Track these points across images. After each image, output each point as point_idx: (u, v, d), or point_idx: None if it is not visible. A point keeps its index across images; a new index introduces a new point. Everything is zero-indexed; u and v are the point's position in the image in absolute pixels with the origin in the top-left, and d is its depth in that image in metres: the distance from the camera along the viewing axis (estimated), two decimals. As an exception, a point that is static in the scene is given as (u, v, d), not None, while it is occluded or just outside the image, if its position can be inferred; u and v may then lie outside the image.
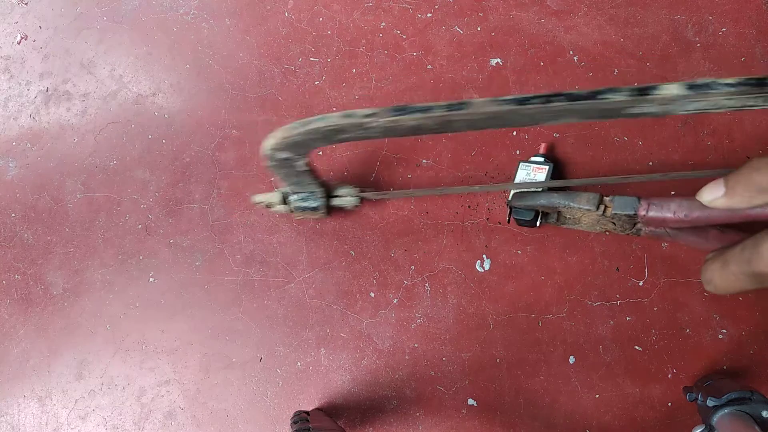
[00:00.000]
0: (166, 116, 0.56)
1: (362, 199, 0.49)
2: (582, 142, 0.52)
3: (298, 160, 0.41)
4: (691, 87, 0.31)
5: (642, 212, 0.41)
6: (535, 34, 0.55)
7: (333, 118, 0.34)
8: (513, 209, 0.47)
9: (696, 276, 0.48)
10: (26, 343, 0.52)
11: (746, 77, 0.31)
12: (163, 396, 0.50)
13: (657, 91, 0.31)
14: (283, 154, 0.39)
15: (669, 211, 0.39)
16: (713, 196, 0.37)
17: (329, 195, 0.48)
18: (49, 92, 0.58)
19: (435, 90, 0.54)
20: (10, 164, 0.56)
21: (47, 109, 0.57)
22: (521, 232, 0.50)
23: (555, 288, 0.49)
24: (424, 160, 0.52)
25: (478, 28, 0.55)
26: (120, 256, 0.53)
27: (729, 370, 0.47)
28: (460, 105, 0.33)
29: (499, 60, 0.55)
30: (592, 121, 0.51)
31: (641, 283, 0.48)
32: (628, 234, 0.46)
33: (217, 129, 0.55)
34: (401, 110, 0.33)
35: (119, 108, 0.57)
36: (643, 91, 0.32)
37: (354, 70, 0.56)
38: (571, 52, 0.54)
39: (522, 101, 0.32)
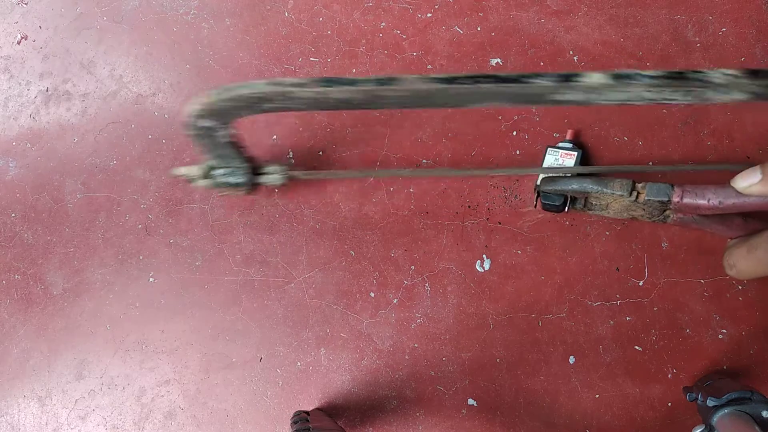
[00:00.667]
0: (166, 116, 0.56)
1: (290, 178, 0.48)
2: (582, 142, 0.52)
3: (220, 131, 0.40)
4: (614, 77, 0.32)
5: (676, 199, 0.41)
6: (535, 34, 0.55)
7: (259, 86, 0.34)
8: (542, 194, 0.47)
9: (696, 276, 0.48)
10: (26, 343, 0.52)
11: (667, 70, 0.32)
12: (163, 396, 0.50)
13: (581, 78, 0.32)
14: (206, 122, 0.38)
15: (704, 198, 0.40)
16: (749, 182, 0.38)
17: (255, 172, 0.47)
18: (49, 92, 0.58)
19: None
20: (10, 164, 0.56)
21: (47, 109, 0.57)
22: (521, 232, 0.50)
23: (555, 288, 0.49)
24: (424, 160, 0.52)
25: (478, 28, 0.55)
26: (120, 256, 0.53)
27: (729, 370, 0.47)
28: (390, 80, 0.33)
29: (499, 60, 0.55)
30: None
31: (641, 283, 0.48)
32: (654, 221, 0.46)
33: (217, 129, 0.55)
34: (329, 82, 0.33)
35: (119, 108, 0.57)
36: (567, 78, 0.32)
37: (354, 70, 0.56)
38: (571, 52, 0.54)
39: (450, 80, 0.33)
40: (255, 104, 0.36)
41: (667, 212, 0.43)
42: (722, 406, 0.39)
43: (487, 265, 0.50)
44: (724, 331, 0.47)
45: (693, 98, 0.34)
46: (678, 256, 0.48)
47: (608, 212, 0.47)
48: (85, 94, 0.57)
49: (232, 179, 0.46)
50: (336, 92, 0.33)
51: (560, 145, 0.50)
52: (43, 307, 0.53)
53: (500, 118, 0.53)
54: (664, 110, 0.52)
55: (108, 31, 0.59)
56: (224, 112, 0.37)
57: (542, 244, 0.50)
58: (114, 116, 0.57)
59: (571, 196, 0.47)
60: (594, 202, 0.46)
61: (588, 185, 0.44)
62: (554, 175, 0.47)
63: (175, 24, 0.58)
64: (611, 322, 0.48)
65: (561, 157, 0.49)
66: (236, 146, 0.43)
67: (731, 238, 0.44)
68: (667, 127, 0.51)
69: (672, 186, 0.41)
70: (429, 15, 0.56)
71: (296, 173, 0.49)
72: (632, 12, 0.54)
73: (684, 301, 0.48)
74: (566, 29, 0.54)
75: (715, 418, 0.39)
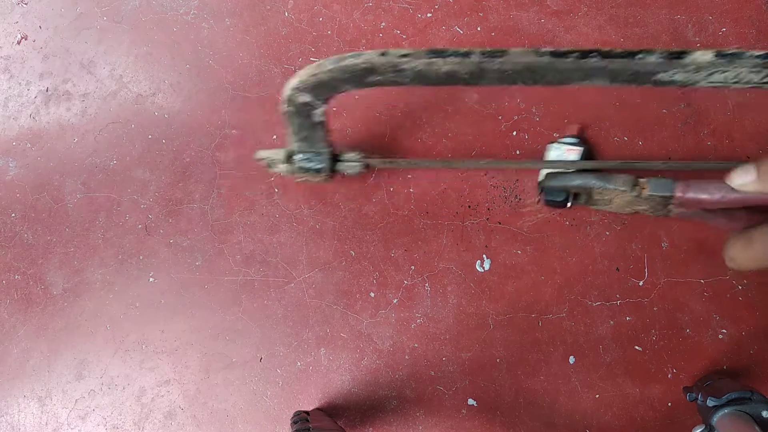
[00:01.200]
0: (166, 116, 0.56)
1: (367, 166, 0.48)
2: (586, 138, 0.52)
3: (317, 107, 0.39)
4: (720, 55, 0.32)
5: (679, 194, 0.41)
6: (535, 34, 0.55)
7: (368, 55, 0.33)
8: (545, 190, 0.47)
9: (696, 276, 0.48)
10: (26, 343, 0.52)
11: None
12: (163, 396, 0.50)
13: (689, 55, 0.32)
14: (305, 97, 0.38)
15: (706, 192, 0.40)
16: (744, 180, 0.39)
17: (335, 158, 0.47)
18: (49, 92, 0.58)
19: (434, 89, 0.54)
20: (10, 164, 0.56)
21: (47, 109, 0.57)
22: (521, 232, 0.50)
23: (555, 288, 0.49)
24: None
25: (478, 28, 0.55)
26: (120, 256, 0.53)
27: (729, 370, 0.47)
28: (499, 52, 0.33)
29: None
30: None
31: (641, 283, 0.48)
32: (657, 215, 0.46)
33: (217, 129, 0.55)
34: (438, 53, 0.33)
35: (119, 108, 0.57)
36: (677, 55, 0.32)
37: (354, 70, 0.56)
38: (571, 52, 0.54)
39: (560, 54, 0.32)
40: (361, 76, 0.35)
41: (670, 207, 0.43)
42: (722, 406, 0.40)
43: (487, 265, 0.50)
44: (724, 331, 0.47)
45: None
46: (678, 256, 0.48)
47: (611, 207, 0.47)
48: (85, 94, 0.57)
49: (312, 165, 0.46)
50: (443, 64, 0.33)
51: (565, 139, 0.50)
52: (43, 307, 0.53)
53: (500, 118, 0.53)
54: (664, 110, 0.52)
55: (108, 31, 0.59)
56: (327, 85, 0.36)
57: (542, 244, 0.50)
58: (114, 116, 0.57)
59: (574, 192, 0.47)
60: (597, 198, 0.46)
61: (591, 181, 0.44)
62: (558, 170, 0.47)
63: (175, 24, 0.58)
64: (611, 322, 0.48)
65: (566, 152, 0.49)
66: (325, 129, 0.43)
67: (732, 231, 0.44)
68: (667, 127, 0.51)
69: (675, 181, 0.42)
70: (429, 15, 0.56)
71: (374, 161, 0.48)
72: (632, 12, 0.54)
73: (684, 301, 0.48)
74: (566, 29, 0.54)
75: (715, 418, 0.39)
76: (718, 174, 0.40)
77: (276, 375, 0.49)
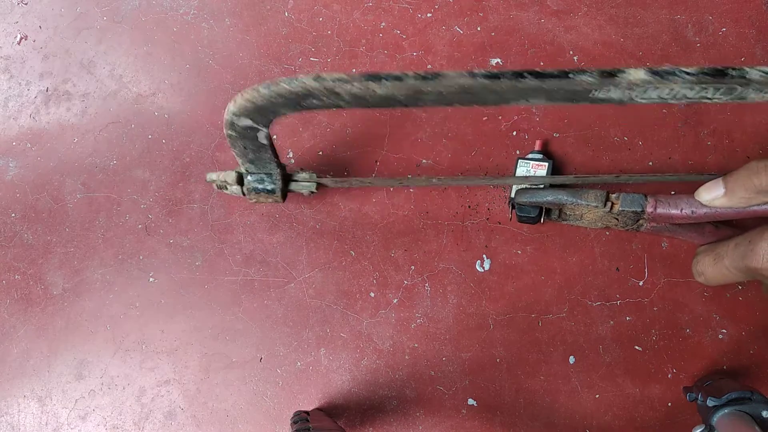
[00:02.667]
0: (166, 116, 0.56)
1: (319, 186, 0.48)
2: (582, 141, 0.52)
3: (260, 131, 0.39)
4: (654, 73, 0.32)
5: (650, 209, 0.42)
6: (535, 34, 0.55)
7: (302, 80, 0.33)
8: (517, 206, 0.47)
9: (696, 276, 0.48)
10: (26, 343, 0.52)
11: (706, 66, 0.32)
12: (163, 396, 0.50)
13: (623, 75, 0.32)
14: (246, 122, 0.38)
15: (676, 207, 0.41)
16: (712, 195, 0.40)
17: (287, 179, 0.47)
18: (49, 92, 0.58)
19: (435, 90, 0.54)
20: (10, 164, 0.56)
21: (47, 109, 0.57)
22: (521, 232, 0.50)
23: (555, 288, 0.49)
24: (424, 160, 0.53)
25: (478, 28, 0.55)
26: (120, 256, 0.53)
27: (729, 370, 0.47)
28: (434, 75, 0.33)
29: (499, 60, 0.55)
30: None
31: (641, 283, 0.48)
32: (628, 230, 0.46)
33: (217, 129, 0.55)
34: (374, 77, 0.33)
35: (119, 108, 0.57)
36: (610, 74, 0.32)
37: (354, 70, 0.56)
38: (571, 52, 0.54)
39: (494, 76, 0.32)
40: (297, 101, 0.35)
41: (641, 221, 0.44)
42: (722, 406, 0.40)
43: (487, 265, 0.50)
44: (724, 331, 0.47)
45: (733, 97, 0.33)
46: (678, 256, 0.49)
47: (583, 222, 0.47)
48: (85, 94, 0.57)
49: (264, 185, 0.46)
50: (380, 88, 0.33)
51: (530, 156, 0.50)
52: (43, 307, 0.53)
53: (500, 118, 0.53)
54: (664, 110, 0.52)
55: (108, 31, 0.59)
56: (266, 110, 0.36)
57: (542, 244, 0.50)
58: (114, 116, 0.57)
59: (545, 208, 0.47)
60: (569, 213, 0.47)
61: (563, 197, 0.44)
62: (529, 186, 0.47)
63: (175, 24, 0.58)
64: (611, 322, 0.48)
65: (533, 168, 0.49)
66: (272, 150, 0.43)
67: (702, 245, 0.45)
68: (667, 127, 0.51)
69: (645, 196, 0.42)
70: (429, 15, 0.56)
71: (326, 181, 0.49)
72: (632, 12, 0.54)
73: (684, 301, 0.48)
74: (566, 29, 0.54)
75: (715, 418, 0.39)
76: (689, 188, 0.41)
77: (276, 375, 0.49)
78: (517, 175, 0.50)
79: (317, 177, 0.48)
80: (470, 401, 0.48)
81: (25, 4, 0.61)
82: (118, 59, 0.58)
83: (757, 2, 0.54)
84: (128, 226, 0.54)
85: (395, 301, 0.50)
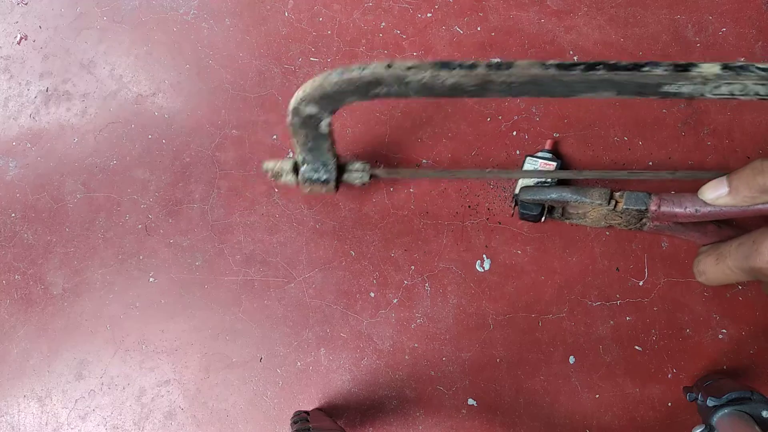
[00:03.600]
0: (166, 116, 0.56)
1: (372, 177, 0.48)
2: (582, 141, 0.52)
3: (323, 119, 0.39)
4: (728, 68, 0.32)
5: (654, 207, 0.42)
6: (535, 34, 0.55)
7: (373, 68, 0.33)
8: (520, 203, 0.47)
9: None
10: (26, 343, 0.52)
11: None
12: (163, 396, 0.50)
13: (697, 69, 0.32)
14: (311, 109, 0.38)
15: (681, 206, 0.41)
16: (716, 194, 0.39)
17: (341, 169, 0.47)
18: (49, 92, 0.58)
19: (435, 90, 0.54)
20: (10, 164, 0.56)
21: (47, 109, 0.57)
22: (521, 232, 0.50)
23: (555, 288, 0.49)
24: (424, 160, 0.53)
25: (478, 28, 0.55)
26: (120, 256, 0.53)
27: (729, 370, 0.47)
28: (507, 64, 0.33)
29: (499, 60, 0.54)
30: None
31: (641, 283, 0.48)
32: (631, 229, 0.46)
33: (217, 129, 0.55)
34: (445, 65, 0.33)
35: (119, 108, 0.57)
36: (683, 68, 0.32)
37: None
38: (571, 52, 0.54)
39: (566, 67, 0.32)
40: (366, 89, 0.35)
41: (644, 220, 0.44)
42: (722, 406, 0.40)
43: (487, 265, 0.50)
44: (724, 331, 0.47)
45: None
46: (678, 256, 0.48)
47: (586, 221, 0.47)
48: (85, 94, 0.57)
49: (318, 175, 0.45)
50: (449, 76, 0.33)
51: (539, 154, 0.50)
52: (43, 307, 0.53)
53: (500, 118, 0.53)
54: (664, 110, 0.52)
55: (108, 31, 0.59)
56: (333, 97, 0.36)
57: (542, 244, 0.50)
58: (114, 116, 0.57)
59: (548, 206, 0.47)
60: (572, 211, 0.47)
61: (567, 194, 0.44)
62: (533, 185, 0.47)
63: (175, 24, 0.58)
64: (611, 322, 0.48)
65: (540, 167, 0.49)
66: (331, 139, 0.42)
67: (704, 245, 0.45)
68: (667, 127, 0.51)
69: (650, 194, 0.42)
70: (429, 15, 0.56)
71: (378, 171, 0.48)
72: (632, 12, 0.54)
73: (684, 301, 0.48)
74: (566, 29, 0.54)
75: (715, 418, 0.39)
76: (693, 186, 0.41)
77: (276, 375, 0.49)
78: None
79: (370, 168, 0.47)
80: (470, 401, 0.48)
81: (25, 4, 0.61)
82: (118, 59, 0.58)
83: (757, 2, 0.54)
84: (128, 226, 0.54)
85: (395, 301, 0.50)
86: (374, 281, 0.50)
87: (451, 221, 0.51)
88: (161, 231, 0.53)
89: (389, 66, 0.33)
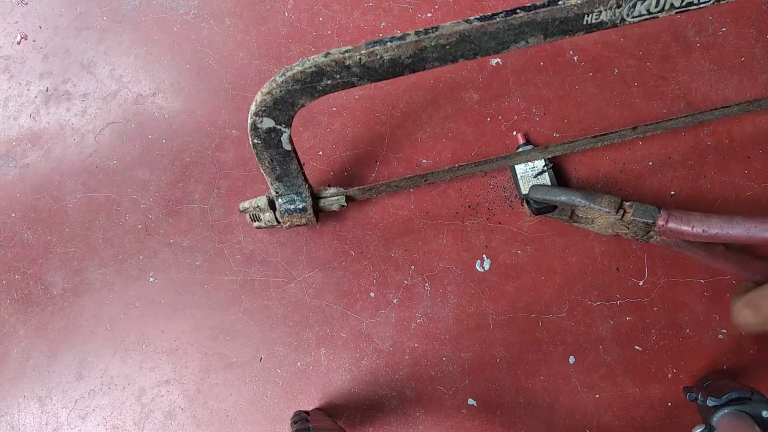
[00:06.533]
0: (166, 116, 0.56)
1: (348, 199, 0.49)
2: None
3: (283, 132, 0.40)
4: None
5: (661, 222, 0.42)
6: (535, 34, 0.55)
7: (313, 59, 0.34)
8: (529, 202, 0.48)
9: (696, 276, 0.48)
10: (26, 343, 0.52)
11: None
12: (163, 396, 0.50)
13: None
14: (268, 122, 0.38)
15: (688, 224, 0.41)
16: (744, 320, 0.41)
17: (315, 197, 0.48)
18: (49, 92, 0.58)
19: (434, 89, 0.54)
20: (10, 164, 0.56)
21: (47, 109, 0.57)
22: (521, 232, 0.50)
23: (555, 288, 0.49)
24: (424, 160, 0.52)
25: (478, 28, 0.55)
26: (120, 256, 0.53)
27: (729, 370, 0.47)
28: (433, 28, 0.34)
29: (499, 60, 0.55)
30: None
31: (641, 283, 0.48)
32: (638, 240, 0.46)
33: (217, 129, 0.55)
34: (379, 42, 0.34)
35: (119, 108, 0.57)
36: None
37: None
38: (571, 52, 0.54)
39: (487, 18, 0.34)
40: (312, 83, 0.36)
41: (651, 233, 0.43)
42: (722, 406, 0.40)
43: (487, 265, 0.50)
44: (724, 331, 0.47)
45: None
46: (678, 256, 0.48)
47: (593, 227, 0.47)
48: (85, 94, 0.57)
49: (295, 205, 0.46)
50: (384, 50, 0.34)
51: (520, 150, 0.51)
52: (43, 307, 0.53)
53: (500, 118, 0.53)
54: (664, 110, 0.52)
55: (108, 31, 0.59)
56: (284, 101, 0.37)
57: (542, 244, 0.50)
58: (114, 116, 0.57)
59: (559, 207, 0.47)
60: (581, 215, 0.47)
61: (576, 198, 0.44)
62: (541, 184, 0.48)
63: (175, 24, 0.58)
64: (611, 322, 0.48)
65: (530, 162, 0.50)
66: (298, 161, 0.43)
67: (736, 281, 0.45)
68: (667, 127, 0.51)
69: (659, 209, 0.42)
70: (429, 15, 0.56)
71: (353, 192, 0.49)
72: (632, 12, 0.54)
73: (684, 301, 0.48)
74: (566, 29, 0.54)
75: (715, 418, 0.39)
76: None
77: (276, 375, 0.49)
78: (516, 170, 0.50)
79: (344, 190, 0.48)
80: (470, 401, 0.48)
81: (25, 4, 0.61)
82: (118, 59, 0.58)
83: (757, 2, 0.54)
84: (128, 226, 0.54)
85: (395, 301, 0.50)
86: (374, 281, 0.50)
87: (451, 221, 0.51)
88: (161, 231, 0.53)
89: (327, 54, 0.34)
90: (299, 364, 0.50)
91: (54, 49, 0.59)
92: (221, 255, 0.52)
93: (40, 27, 0.60)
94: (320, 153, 0.54)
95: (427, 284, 0.50)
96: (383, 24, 0.56)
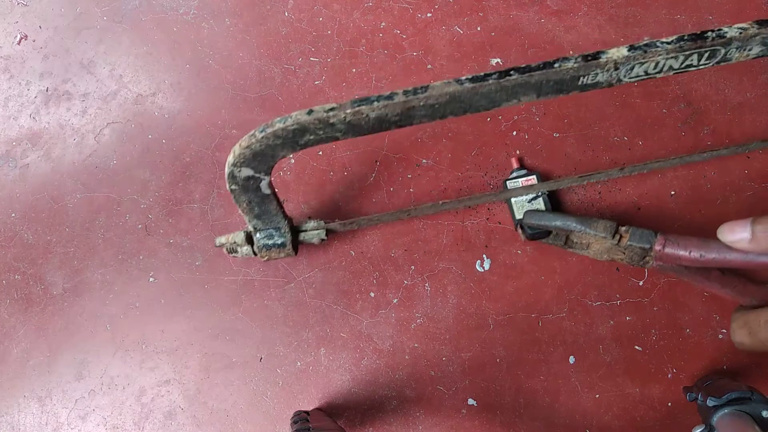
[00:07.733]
0: (166, 116, 0.56)
1: (328, 232, 0.48)
2: (582, 141, 0.52)
3: (262, 180, 0.39)
4: (634, 48, 0.32)
5: (658, 247, 0.41)
6: (535, 34, 0.55)
7: (296, 116, 0.33)
8: (524, 227, 0.47)
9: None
10: (26, 343, 0.52)
11: (683, 34, 0.33)
12: (163, 396, 0.50)
13: (605, 55, 0.33)
14: (246, 172, 0.37)
15: (685, 249, 0.40)
16: (736, 237, 0.37)
17: (294, 230, 0.47)
18: (49, 92, 0.58)
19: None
20: (10, 164, 0.56)
21: (47, 109, 0.57)
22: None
23: (555, 288, 0.49)
24: (424, 160, 0.52)
25: (478, 28, 0.55)
26: (120, 256, 0.53)
27: (729, 370, 0.47)
28: (422, 88, 0.33)
29: (499, 60, 0.55)
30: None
31: (641, 283, 0.48)
32: (634, 266, 0.46)
33: (217, 129, 0.55)
34: (364, 100, 0.33)
35: (119, 108, 0.57)
36: (593, 57, 0.33)
37: (354, 70, 0.56)
38: (571, 52, 0.54)
39: (479, 79, 0.33)
40: (294, 138, 0.35)
41: (648, 258, 0.43)
42: (722, 406, 0.39)
43: (487, 265, 0.50)
44: (724, 331, 0.47)
45: (719, 60, 0.34)
46: (678, 256, 0.48)
47: (589, 252, 0.47)
48: (85, 94, 0.57)
49: (274, 241, 0.45)
50: (371, 110, 0.33)
51: (514, 175, 0.50)
52: (43, 307, 0.53)
53: (500, 118, 0.53)
54: (664, 110, 0.52)
55: (108, 31, 0.59)
56: (264, 154, 0.36)
57: (542, 245, 0.50)
58: (114, 116, 0.57)
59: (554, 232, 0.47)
60: (575, 240, 0.47)
61: (571, 224, 0.44)
62: (535, 209, 0.47)
63: (175, 24, 0.58)
64: (611, 322, 0.48)
65: (523, 184, 0.49)
66: (277, 201, 0.42)
67: (737, 304, 0.45)
68: (666, 126, 0.51)
69: (655, 233, 0.41)
70: (429, 15, 0.56)
71: (334, 226, 0.49)
72: (632, 12, 0.54)
73: (684, 301, 0.48)
74: (566, 29, 0.54)
75: (715, 418, 0.39)
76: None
77: (276, 375, 0.49)
78: (513, 196, 0.49)
79: (325, 223, 0.48)
80: (470, 401, 0.48)
81: (25, 4, 0.61)
82: (118, 59, 0.58)
83: (757, 2, 0.54)
84: (128, 226, 0.54)
85: (395, 301, 0.50)
86: (374, 281, 0.50)
87: (451, 221, 0.51)
88: (161, 231, 0.53)
89: (310, 112, 0.33)
90: (299, 364, 0.50)
91: (54, 49, 0.59)
92: (221, 255, 0.52)
93: (40, 27, 0.60)
94: (320, 153, 0.54)
95: (427, 284, 0.50)
96: (383, 24, 0.56)
